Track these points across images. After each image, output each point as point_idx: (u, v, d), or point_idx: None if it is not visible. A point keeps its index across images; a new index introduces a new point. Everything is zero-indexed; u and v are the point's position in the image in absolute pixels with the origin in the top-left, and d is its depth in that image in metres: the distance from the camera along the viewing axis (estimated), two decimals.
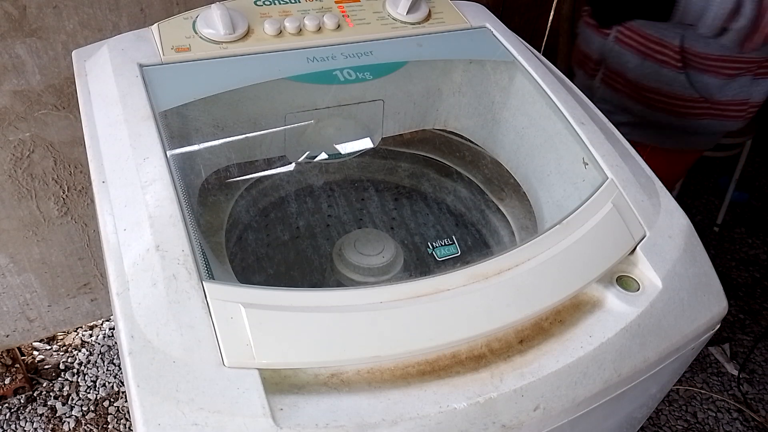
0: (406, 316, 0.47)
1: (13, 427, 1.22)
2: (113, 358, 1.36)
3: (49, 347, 1.38)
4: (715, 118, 1.02)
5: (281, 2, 0.71)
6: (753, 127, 1.69)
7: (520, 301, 0.50)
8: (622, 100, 1.07)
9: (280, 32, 0.68)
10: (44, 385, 1.30)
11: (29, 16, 0.88)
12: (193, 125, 0.66)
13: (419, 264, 0.77)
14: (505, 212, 0.80)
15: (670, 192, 0.63)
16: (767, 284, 1.74)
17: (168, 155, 0.54)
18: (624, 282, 0.54)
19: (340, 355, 0.44)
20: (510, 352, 0.49)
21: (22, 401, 1.26)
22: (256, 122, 0.71)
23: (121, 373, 1.26)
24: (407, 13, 0.73)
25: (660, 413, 1.38)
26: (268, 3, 0.71)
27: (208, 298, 0.44)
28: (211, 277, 0.47)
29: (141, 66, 0.62)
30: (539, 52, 0.78)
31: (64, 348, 1.38)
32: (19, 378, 1.25)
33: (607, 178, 0.61)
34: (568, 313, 0.52)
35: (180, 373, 0.41)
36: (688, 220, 0.61)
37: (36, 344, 1.38)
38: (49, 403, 1.27)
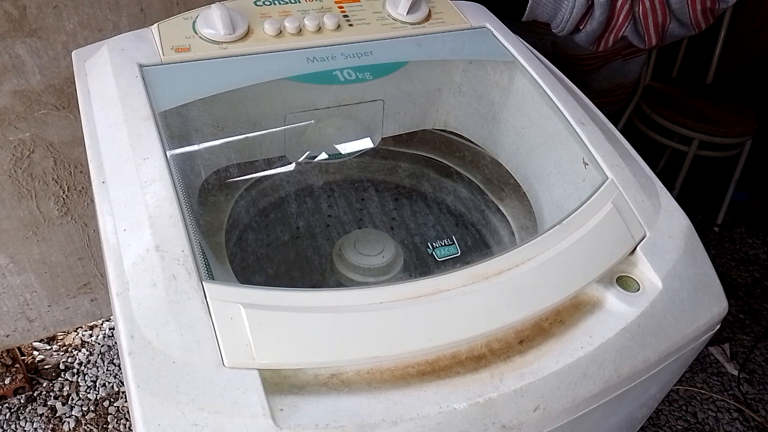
0: (406, 317, 0.47)
1: (13, 427, 1.22)
2: (113, 358, 1.36)
3: (49, 347, 1.38)
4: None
5: (281, 2, 0.71)
6: (753, 127, 1.70)
7: (520, 302, 0.50)
8: None
9: (280, 32, 0.68)
10: (44, 385, 1.30)
11: (29, 16, 0.88)
12: (192, 125, 0.66)
13: (419, 264, 0.77)
14: (505, 212, 0.80)
15: (671, 192, 0.64)
16: (767, 284, 1.74)
17: (168, 155, 0.54)
18: (624, 282, 0.54)
19: (340, 356, 0.44)
20: (510, 353, 0.49)
21: (22, 401, 1.26)
22: (256, 122, 0.71)
23: (121, 373, 1.26)
24: (407, 13, 0.73)
25: (660, 413, 1.38)
26: (268, 3, 0.71)
27: (207, 299, 0.44)
28: (211, 277, 0.47)
29: (141, 66, 0.62)
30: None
31: (64, 348, 1.38)
32: (19, 378, 1.25)
33: (607, 178, 0.61)
34: (568, 314, 0.52)
35: (180, 373, 0.41)
36: (688, 221, 0.61)
37: (36, 344, 1.38)
38: (49, 403, 1.27)
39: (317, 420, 0.41)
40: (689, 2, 0.87)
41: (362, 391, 0.44)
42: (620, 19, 0.86)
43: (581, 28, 0.88)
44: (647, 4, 0.86)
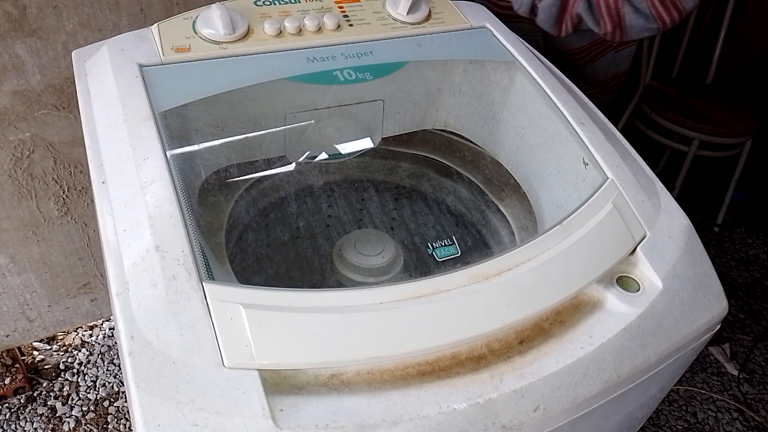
0: (406, 317, 0.47)
1: (13, 427, 1.22)
2: (113, 358, 1.36)
3: (49, 347, 1.38)
4: (592, 98, 1.07)
5: (281, 2, 0.71)
6: (753, 127, 1.70)
7: (521, 302, 0.50)
8: None
9: (280, 32, 0.68)
10: (44, 385, 1.30)
11: (29, 16, 0.88)
12: (192, 125, 0.66)
13: (419, 264, 0.77)
14: (505, 212, 0.80)
15: (671, 192, 0.64)
16: (767, 284, 1.73)
17: (168, 155, 0.54)
18: (624, 282, 0.54)
19: (340, 356, 0.44)
20: (510, 353, 0.49)
21: (22, 401, 1.26)
22: (256, 122, 0.71)
23: (121, 373, 1.26)
24: (407, 13, 0.73)
25: (660, 413, 1.38)
26: (268, 3, 0.71)
27: (207, 299, 0.44)
28: (211, 277, 0.47)
29: (141, 66, 0.62)
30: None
31: (64, 348, 1.38)
32: (19, 378, 1.25)
33: (608, 178, 0.61)
34: (569, 314, 0.52)
35: (180, 373, 0.41)
36: (689, 221, 0.61)
37: (36, 344, 1.38)
38: (49, 403, 1.27)
39: (317, 420, 0.41)
40: None
41: (362, 391, 0.44)
42: None
43: (537, 3, 0.87)
44: None
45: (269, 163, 0.75)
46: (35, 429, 1.22)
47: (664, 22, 0.87)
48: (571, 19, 0.87)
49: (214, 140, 0.69)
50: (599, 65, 1.07)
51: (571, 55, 1.03)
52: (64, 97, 0.98)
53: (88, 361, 1.35)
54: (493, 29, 0.76)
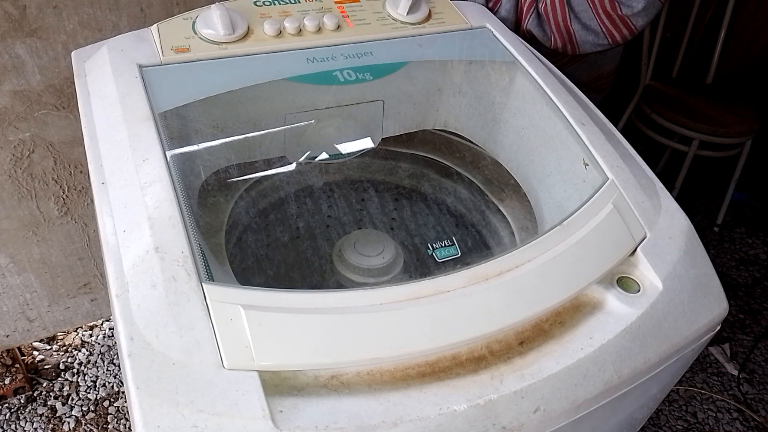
0: (406, 318, 0.46)
1: (13, 427, 1.22)
2: (113, 358, 1.36)
3: (49, 347, 1.38)
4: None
5: (281, 2, 0.71)
6: (753, 127, 1.70)
7: (521, 303, 0.49)
8: None
9: (279, 33, 0.68)
10: (44, 385, 1.30)
11: (29, 16, 0.88)
12: (192, 126, 0.66)
13: (419, 265, 0.77)
14: (505, 213, 0.80)
15: (671, 192, 0.63)
16: (767, 284, 1.73)
17: (167, 156, 0.53)
18: (624, 283, 0.54)
19: (340, 357, 0.44)
20: (510, 354, 0.49)
21: (22, 401, 1.26)
22: (255, 123, 0.71)
23: (121, 374, 1.26)
24: (407, 13, 0.73)
25: (660, 413, 1.38)
26: (268, 3, 0.71)
27: (207, 300, 0.44)
28: (211, 278, 0.47)
29: (140, 66, 0.62)
30: None
31: (64, 348, 1.38)
32: (19, 378, 1.25)
33: (608, 179, 0.60)
34: (569, 315, 0.52)
35: (179, 375, 0.41)
36: (689, 221, 0.60)
37: (36, 344, 1.38)
38: (49, 403, 1.27)
39: (317, 421, 0.41)
40: (591, 5, 0.85)
41: (362, 392, 0.44)
42: (524, 9, 0.86)
43: (494, 10, 0.87)
44: (548, 0, 0.85)
45: (269, 164, 0.75)
46: (35, 429, 1.22)
47: (614, 38, 0.87)
48: (521, 33, 0.87)
49: (214, 141, 0.69)
50: (582, 67, 1.06)
51: (551, 57, 1.02)
52: (64, 97, 0.98)
53: (88, 361, 1.35)
54: (493, 29, 0.76)
